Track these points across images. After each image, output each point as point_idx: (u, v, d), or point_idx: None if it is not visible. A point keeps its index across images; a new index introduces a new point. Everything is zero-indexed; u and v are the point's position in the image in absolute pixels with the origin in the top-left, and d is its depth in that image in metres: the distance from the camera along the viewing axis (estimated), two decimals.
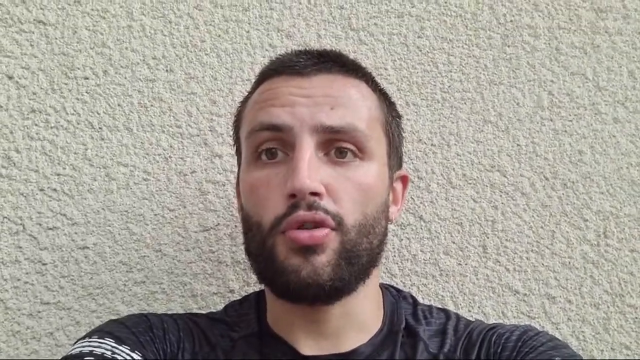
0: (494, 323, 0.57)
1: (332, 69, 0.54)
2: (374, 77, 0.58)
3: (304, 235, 0.49)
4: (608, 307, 0.72)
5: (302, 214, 0.49)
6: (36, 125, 0.74)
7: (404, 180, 0.60)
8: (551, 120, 0.76)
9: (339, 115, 0.51)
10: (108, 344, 0.50)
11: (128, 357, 0.49)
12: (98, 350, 0.49)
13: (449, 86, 0.76)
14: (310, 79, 0.53)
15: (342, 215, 0.50)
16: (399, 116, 0.61)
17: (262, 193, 0.51)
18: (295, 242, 0.49)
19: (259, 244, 0.51)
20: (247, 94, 0.59)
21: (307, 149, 0.50)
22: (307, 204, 0.49)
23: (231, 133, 0.74)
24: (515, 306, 0.72)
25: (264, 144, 0.52)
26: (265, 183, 0.51)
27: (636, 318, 0.72)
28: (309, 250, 0.49)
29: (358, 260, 0.51)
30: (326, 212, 0.49)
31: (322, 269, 0.49)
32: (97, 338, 0.51)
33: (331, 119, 0.51)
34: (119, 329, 0.52)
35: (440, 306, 0.62)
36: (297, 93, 0.52)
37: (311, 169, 0.49)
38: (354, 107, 0.53)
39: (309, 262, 0.49)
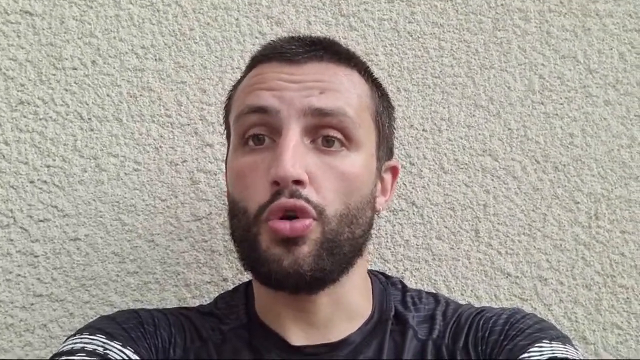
0: (482, 307, 0.57)
1: (323, 57, 0.53)
2: (367, 67, 0.57)
3: (284, 226, 0.48)
4: (599, 288, 0.72)
5: (283, 201, 0.48)
6: (25, 117, 0.73)
7: (394, 170, 0.59)
8: (542, 103, 0.75)
9: (329, 99, 0.50)
10: (99, 340, 0.49)
11: (120, 353, 0.49)
12: (89, 347, 0.48)
13: (440, 71, 0.75)
14: (301, 66, 0.52)
15: (324, 205, 0.49)
16: (392, 107, 0.60)
17: (248, 180, 0.51)
18: (277, 233, 0.48)
19: (244, 230, 0.51)
20: (238, 79, 0.58)
21: (293, 135, 0.49)
22: (290, 192, 0.48)
23: (222, 122, 0.73)
24: (508, 289, 0.72)
25: (251, 129, 0.51)
26: (251, 169, 0.51)
27: (627, 298, 0.72)
28: (290, 241, 0.48)
29: (339, 251, 0.50)
30: (308, 201, 0.49)
31: (302, 259, 0.48)
32: (88, 334, 0.50)
33: (321, 102, 0.50)
34: (110, 325, 0.52)
35: (430, 290, 0.62)
36: (287, 79, 0.51)
37: (296, 156, 0.48)
38: (344, 93, 0.52)
39: (290, 253, 0.48)
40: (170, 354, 0.52)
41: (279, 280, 0.49)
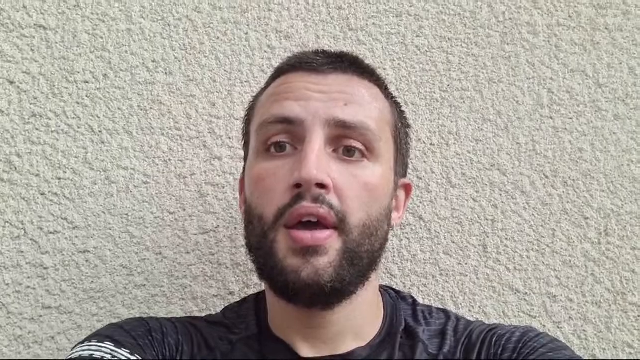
0: (494, 324, 0.56)
1: (348, 70, 0.53)
2: (387, 85, 0.57)
3: (306, 236, 0.47)
4: (610, 305, 0.70)
5: (305, 205, 0.48)
6: (37, 129, 0.72)
7: (408, 188, 0.59)
8: (551, 118, 0.73)
9: (352, 111, 0.50)
10: (107, 348, 0.49)
11: None
12: (98, 354, 0.48)
13: (448, 85, 0.74)
14: (326, 76, 0.52)
15: (346, 213, 0.49)
16: (409, 126, 0.60)
17: (268, 184, 0.50)
18: (296, 242, 0.47)
19: (260, 237, 0.50)
20: (260, 89, 0.58)
21: (317, 141, 0.49)
22: (312, 197, 0.48)
23: (230, 135, 0.72)
24: (516, 305, 0.70)
25: (274, 137, 0.51)
26: (271, 174, 0.50)
27: (638, 316, 0.70)
28: (309, 251, 0.47)
29: (360, 262, 0.49)
30: (330, 207, 0.48)
31: (323, 270, 0.47)
32: (97, 342, 0.49)
33: (344, 114, 0.50)
34: (118, 333, 0.51)
35: (440, 306, 0.61)
36: (312, 88, 0.51)
37: (320, 160, 0.48)
38: (366, 106, 0.52)
39: (309, 263, 0.47)
40: None
41: (296, 291, 0.48)
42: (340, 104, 0.50)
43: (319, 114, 0.50)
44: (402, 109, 0.58)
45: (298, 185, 0.48)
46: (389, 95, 0.57)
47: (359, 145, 0.51)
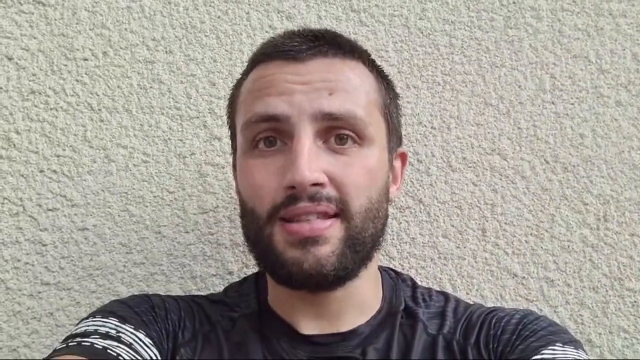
0: (493, 306, 0.55)
1: (328, 52, 0.50)
2: (370, 56, 0.54)
3: (303, 228, 0.46)
4: (607, 290, 0.69)
5: (303, 205, 0.46)
6: (36, 106, 0.70)
7: (403, 157, 0.57)
8: (553, 103, 0.70)
9: (338, 101, 0.48)
10: (112, 323, 0.48)
11: (132, 335, 0.47)
12: (102, 329, 0.47)
13: (450, 68, 0.71)
14: (306, 63, 0.49)
15: (347, 201, 0.47)
16: (397, 95, 0.57)
17: (259, 180, 0.48)
18: (294, 235, 0.46)
19: (256, 232, 0.48)
20: (239, 79, 0.54)
21: (306, 138, 0.47)
22: (309, 196, 0.46)
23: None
24: (514, 289, 0.68)
25: (261, 134, 0.49)
26: (261, 171, 0.48)
27: (635, 302, 0.68)
28: (308, 241, 0.46)
29: (363, 247, 0.48)
30: (329, 200, 0.46)
31: (325, 259, 0.46)
32: (101, 317, 0.49)
33: (331, 106, 0.47)
34: (122, 309, 0.50)
35: (439, 289, 0.59)
36: (294, 80, 0.48)
37: (311, 159, 0.46)
38: (351, 92, 0.49)
39: (310, 254, 0.46)
40: (180, 337, 0.51)
41: (299, 281, 0.47)
42: (325, 93, 0.48)
43: (304, 108, 0.47)
44: (388, 78, 0.55)
45: (292, 187, 0.46)
46: (373, 68, 0.53)
47: (349, 132, 0.48)
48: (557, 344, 0.47)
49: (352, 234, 0.47)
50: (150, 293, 0.56)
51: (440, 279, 0.69)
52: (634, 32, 0.72)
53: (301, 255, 0.46)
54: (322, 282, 0.47)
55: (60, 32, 0.71)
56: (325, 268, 0.46)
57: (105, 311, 0.50)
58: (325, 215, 0.46)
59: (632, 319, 0.68)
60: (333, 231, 0.46)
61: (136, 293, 0.64)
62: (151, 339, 0.48)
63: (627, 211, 0.69)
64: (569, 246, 0.69)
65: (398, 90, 0.58)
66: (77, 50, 0.71)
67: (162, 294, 0.56)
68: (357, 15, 0.72)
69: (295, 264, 0.46)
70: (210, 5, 0.72)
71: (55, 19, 0.71)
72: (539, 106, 0.71)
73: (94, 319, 0.48)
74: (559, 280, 0.69)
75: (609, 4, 0.72)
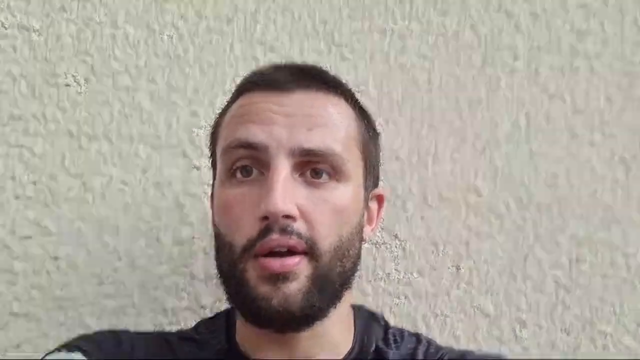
0: (464, 350, 0.53)
1: (311, 85, 0.49)
2: (353, 94, 0.53)
3: (275, 264, 0.44)
4: (578, 333, 0.66)
5: (274, 237, 0.44)
6: (15, 131, 0.67)
7: (380, 199, 0.55)
8: (528, 142, 0.67)
9: (317, 136, 0.46)
10: (76, 358, 0.46)
11: None
12: None
13: (429, 105, 0.67)
14: (290, 95, 0.48)
15: (316, 239, 0.45)
16: (378, 134, 0.55)
17: (236, 213, 0.46)
18: (266, 270, 0.44)
19: (230, 266, 0.46)
20: (224, 106, 0.53)
21: (283, 170, 0.45)
22: (280, 228, 0.44)
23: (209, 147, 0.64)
24: (487, 330, 0.66)
25: (239, 161, 0.47)
26: (238, 202, 0.46)
27: (605, 345, 0.66)
28: (279, 278, 0.44)
29: (331, 286, 0.46)
30: (299, 236, 0.45)
31: (293, 296, 0.44)
32: (66, 351, 0.46)
33: (309, 142, 0.46)
34: (87, 344, 0.48)
35: (412, 330, 0.56)
36: (276, 110, 0.47)
37: (286, 191, 0.44)
38: (331, 128, 0.47)
39: (279, 290, 0.44)
40: None
41: (267, 318, 0.45)
42: (304, 129, 0.46)
43: (283, 141, 0.46)
44: (370, 116, 0.54)
45: (265, 218, 0.44)
46: (355, 105, 0.52)
47: (326, 167, 0.47)
48: None
49: (320, 273, 0.45)
50: (120, 328, 0.53)
51: (414, 317, 0.66)
52: (607, 73, 0.70)
53: (271, 291, 0.44)
54: (290, 321, 0.45)
55: (44, 57, 0.68)
56: (293, 306, 0.44)
57: (70, 345, 0.48)
58: (295, 250, 0.45)
59: None
60: (301, 268, 0.44)
61: (105, 326, 0.62)
62: None
63: (600, 252, 0.67)
64: (541, 287, 0.66)
65: (377, 125, 0.56)
66: (60, 76, 0.68)
67: (131, 330, 0.54)
68: (339, 50, 0.70)
69: (265, 299, 0.44)
70: (194, 36, 0.69)
71: (39, 45, 0.69)
72: (515, 145, 0.68)
73: (59, 353, 0.46)
74: (531, 321, 0.66)
75: (584, 45, 0.69)
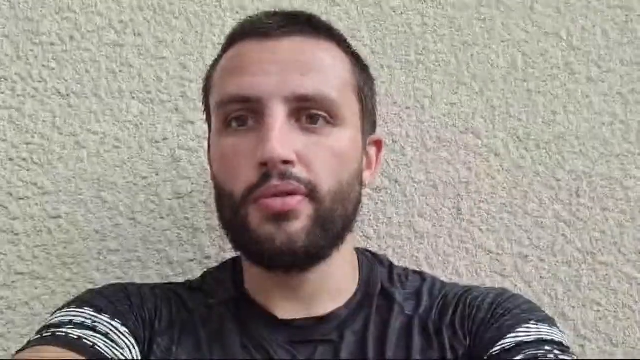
0: (468, 285, 0.53)
1: (302, 31, 0.48)
2: (346, 39, 0.52)
3: (276, 203, 0.44)
4: (579, 265, 0.67)
5: (274, 183, 0.44)
6: (2, 93, 0.66)
7: (378, 144, 0.55)
8: (525, 80, 0.67)
9: (310, 82, 0.45)
10: (87, 313, 0.46)
11: (108, 325, 0.45)
12: (77, 319, 0.45)
13: (423, 48, 0.66)
14: (280, 41, 0.47)
15: (316, 183, 0.45)
16: (372, 79, 0.54)
17: (233, 162, 0.46)
18: (268, 210, 0.44)
19: (232, 213, 0.46)
20: (216, 58, 0.52)
21: (278, 117, 0.45)
22: (279, 173, 0.44)
23: (202, 100, 0.63)
24: (489, 266, 0.66)
25: (234, 114, 0.47)
26: (236, 151, 0.46)
27: (606, 275, 0.66)
28: (281, 217, 0.44)
29: (333, 227, 0.46)
30: (299, 180, 0.44)
31: (296, 235, 0.44)
32: (76, 307, 0.46)
33: (302, 87, 0.45)
34: (97, 298, 0.48)
35: (416, 269, 0.57)
36: (267, 59, 0.46)
37: (283, 136, 0.44)
38: (325, 73, 0.47)
39: (282, 230, 0.44)
40: (156, 326, 0.48)
41: (272, 258, 0.45)
42: (297, 75, 0.45)
43: (276, 90, 0.45)
44: (364, 62, 0.53)
45: (264, 164, 0.44)
46: (348, 51, 0.51)
47: (321, 112, 0.46)
48: (531, 322, 0.46)
49: (321, 214, 0.45)
50: (127, 282, 0.53)
51: (417, 257, 0.66)
52: (604, 8, 0.68)
53: (274, 230, 0.44)
54: (294, 260, 0.45)
55: (25, 16, 0.66)
56: (296, 245, 0.44)
57: (80, 301, 0.47)
58: (295, 194, 0.44)
59: (605, 292, 0.66)
60: (303, 207, 0.44)
61: (112, 280, 0.61)
62: (128, 328, 0.46)
63: (599, 186, 0.67)
64: (542, 222, 0.67)
65: (372, 70, 0.54)
66: (43, 34, 0.66)
67: (139, 282, 0.54)
68: None
69: (268, 239, 0.44)
70: None
71: (19, 3, 0.66)
72: (512, 84, 0.67)
73: (69, 310, 0.46)
74: (532, 255, 0.66)
75: None
